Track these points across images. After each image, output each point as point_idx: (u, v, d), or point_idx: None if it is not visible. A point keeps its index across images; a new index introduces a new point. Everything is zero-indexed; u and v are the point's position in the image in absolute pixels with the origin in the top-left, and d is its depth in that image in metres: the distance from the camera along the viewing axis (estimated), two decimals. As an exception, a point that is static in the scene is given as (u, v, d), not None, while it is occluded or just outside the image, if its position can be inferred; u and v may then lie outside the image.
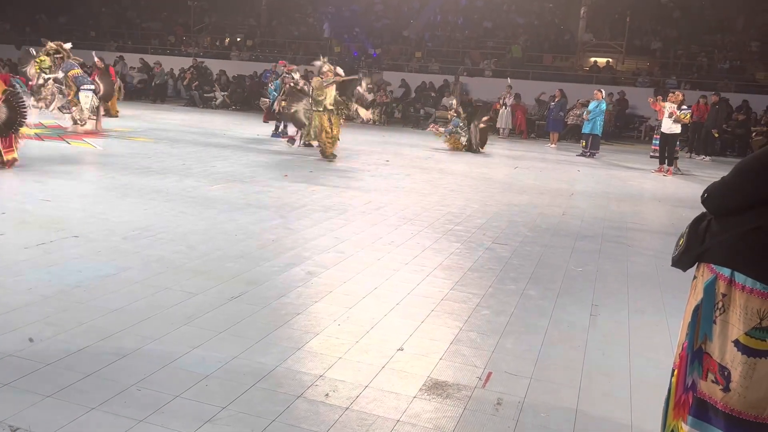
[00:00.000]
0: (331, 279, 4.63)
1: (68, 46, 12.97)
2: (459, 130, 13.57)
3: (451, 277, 4.87)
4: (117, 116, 15.25)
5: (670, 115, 11.85)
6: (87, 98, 11.79)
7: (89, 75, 12.78)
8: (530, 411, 2.96)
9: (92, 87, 12.07)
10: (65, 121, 12.19)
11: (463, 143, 13.57)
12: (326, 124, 10.71)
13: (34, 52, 15.94)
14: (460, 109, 14.08)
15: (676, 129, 11.95)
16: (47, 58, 15.26)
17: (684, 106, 12.08)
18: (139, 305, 3.88)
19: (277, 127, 13.80)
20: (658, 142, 12.64)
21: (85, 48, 23.25)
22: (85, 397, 2.79)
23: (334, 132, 10.82)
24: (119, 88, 15.90)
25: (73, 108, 11.86)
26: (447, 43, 23.87)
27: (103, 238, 5.24)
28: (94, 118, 12.15)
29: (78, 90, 11.76)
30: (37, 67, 14.88)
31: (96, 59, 16.14)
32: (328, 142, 10.82)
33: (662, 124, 12.16)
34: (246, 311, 3.90)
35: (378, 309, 4.10)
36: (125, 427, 2.60)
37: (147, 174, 8.33)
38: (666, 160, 12.16)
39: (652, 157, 12.94)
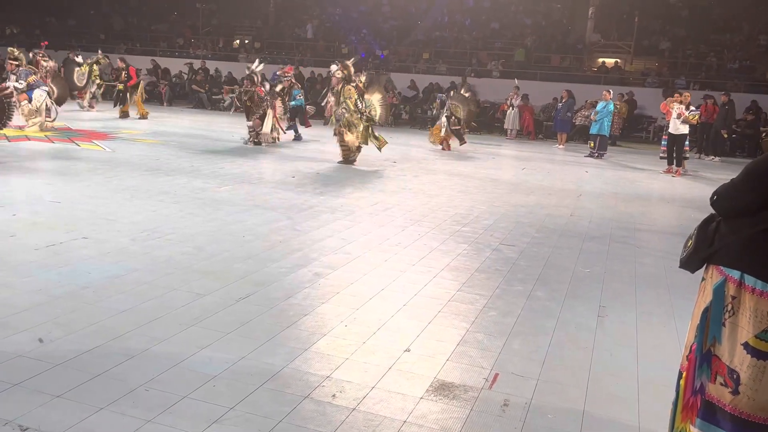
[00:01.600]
0: (338, 280, 4.64)
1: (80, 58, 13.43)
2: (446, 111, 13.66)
3: (458, 278, 4.87)
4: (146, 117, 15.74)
5: (678, 116, 11.80)
6: (41, 96, 12.01)
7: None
8: (537, 412, 2.95)
9: (46, 89, 12.33)
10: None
11: (443, 124, 13.59)
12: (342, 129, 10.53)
13: (80, 59, 16.65)
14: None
15: (684, 129, 11.90)
16: (96, 67, 16.04)
17: (692, 107, 12.03)
18: (148, 306, 3.90)
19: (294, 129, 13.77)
20: (666, 142, 12.58)
21: (95, 51, 23.41)
22: (93, 397, 2.81)
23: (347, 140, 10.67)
24: (142, 89, 16.54)
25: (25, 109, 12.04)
26: (454, 44, 23.86)
27: (111, 240, 5.27)
28: (42, 118, 12.14)
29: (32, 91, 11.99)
30: (85, 71, 15.60)
31: (118, 60, 16.60)
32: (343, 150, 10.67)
33: (670, 125, 12.11)
34: (253, 312, 3.92)
35: (385, 310, 4.10)
36: (133, 427, 2.62)
37: (155, 175, 8.37)
38: (675, 161, 12.11)
39: (662, 158, 12.87)
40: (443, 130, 13.65)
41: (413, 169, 10.57)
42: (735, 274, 2.03)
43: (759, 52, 21.04)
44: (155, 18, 28.53)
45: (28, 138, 11.11)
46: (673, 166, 12.09)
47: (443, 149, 13.69)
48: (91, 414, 2.69)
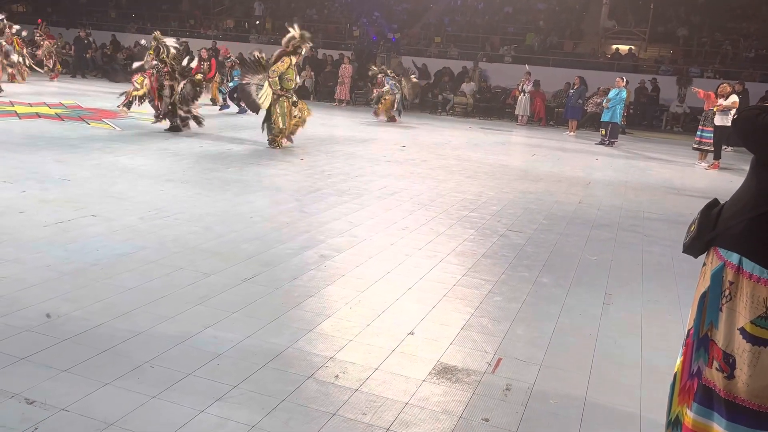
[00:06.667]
0: (344, 263, 4.65)
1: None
2: (394, 89, 15.28)
3: (464, 263, 4.87)
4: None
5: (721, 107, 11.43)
6: None
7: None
8: (539, 397, 2.97)
9: None
10: None
11: (397, 100, 15.27)
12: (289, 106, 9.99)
13: (144, 43, 16.75)
14: (392, 73, 15.94)
15: (728, 121, 11.49)
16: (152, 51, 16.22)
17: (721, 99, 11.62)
18: (155, 284, 3.93)
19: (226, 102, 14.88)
20: (707, 134, 11.83)
21: (107, 29, 23.38)
22: (99, 373, 2.85)
23: (304, 115, 10.32)
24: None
25: None
26: (467, 28, 23.66)
27: (120, 218, 5.30)
28: None
29: None
30: (153, 58, 15.84)
31: (202, 50, 16.16)
32: (293, 127, 10.16)
33: (716, 118, 11.49)
34: (259, 292, 3.94)
35: (390, 293, 4.12)
36: (138, 402, 2.65)
37: (164, 155, 8.39)
38: (715, 154, 11.72)
39: (694, 149, 12.41)
40: (396, 105, 15.37)
41: (422, 154, 10.55)
42: (734, 259, 2.02)
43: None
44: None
45: (38, 116, 11.16)
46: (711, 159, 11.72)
47: (389, 120, 15.28)
48: (96, 389, 2.72)
